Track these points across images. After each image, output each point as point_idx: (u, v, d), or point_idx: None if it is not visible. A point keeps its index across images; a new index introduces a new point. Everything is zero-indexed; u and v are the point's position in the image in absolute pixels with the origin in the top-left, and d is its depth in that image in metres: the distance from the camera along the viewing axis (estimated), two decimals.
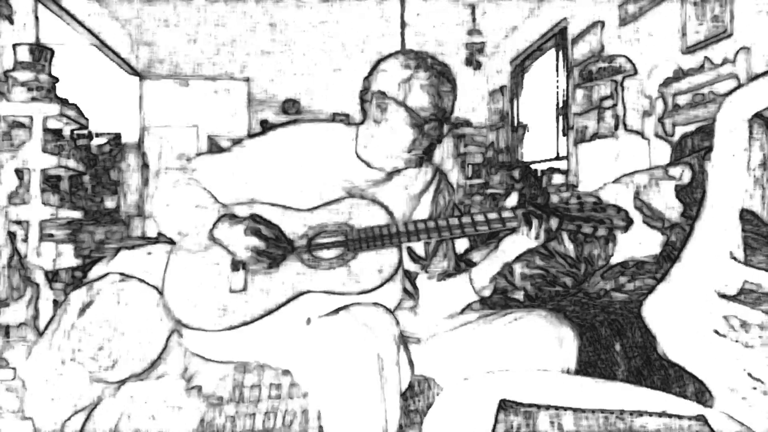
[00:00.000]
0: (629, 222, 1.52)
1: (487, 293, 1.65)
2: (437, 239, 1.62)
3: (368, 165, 1.64)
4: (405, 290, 1.66)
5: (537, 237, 1.51)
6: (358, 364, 1.38)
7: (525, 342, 1.55)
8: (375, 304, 1.50)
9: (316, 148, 1.65)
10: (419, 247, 1.69)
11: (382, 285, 1.53)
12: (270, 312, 1.52)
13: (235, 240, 1.51)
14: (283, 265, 1.54)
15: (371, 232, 1.54)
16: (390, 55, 1.61)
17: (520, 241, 1.55)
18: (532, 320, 1.57)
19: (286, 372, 1.56)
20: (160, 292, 1.61)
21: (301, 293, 1.53)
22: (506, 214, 1.54)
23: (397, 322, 1.48)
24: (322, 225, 1.58)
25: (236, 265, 1.55)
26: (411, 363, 1.53)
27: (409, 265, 1.69)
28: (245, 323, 1.51)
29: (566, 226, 1.52)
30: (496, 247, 1.61)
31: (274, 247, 1.50)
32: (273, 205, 1.60)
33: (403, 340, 1.53)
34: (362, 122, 1.65)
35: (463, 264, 1.76)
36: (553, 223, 1.50)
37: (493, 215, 1.54)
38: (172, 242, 1.68)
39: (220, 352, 1.56)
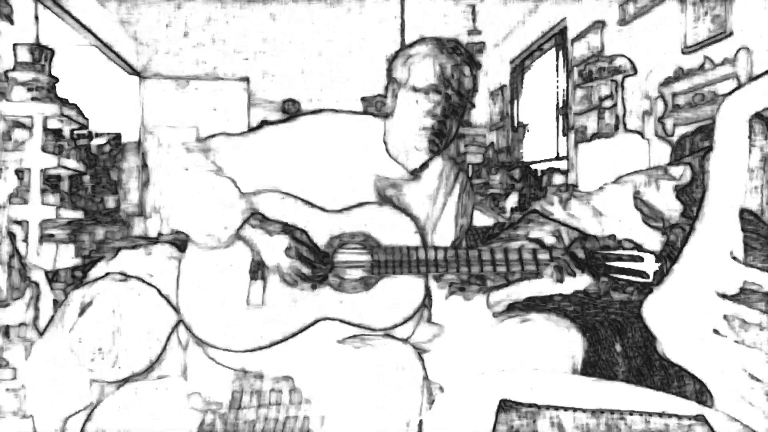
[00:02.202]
0: (662, 275, 1.50)
1: (498, 310, 1.64)
2: (467, 273, 1.53)
3: (395, 161, 1.58)
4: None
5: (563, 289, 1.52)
6: (379, 402, 1.37)
7: (534, 344, 1.54)
8: (401, 341, 1.47)
9: (345, 140, 1.58)
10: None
11: (402, 323, 1.48)
12: (290, 337, 1.48)
13: (273, 253, 1.43)
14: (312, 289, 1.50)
15: (399, 255, 1.47)
16: (404, 47, 1.56)
17: (549, 286, 1.56)
18: (542, 323, 1.57)
19: (286, 377, 1.55)
20: (162, 293, 1.60)
21: (322, 319, 1.48)
22: (542, 256, 1.48)
23: (423, 362, 1.45)
24: (345, 235, 1.50)
25: (255, 273, 1.49)
26: (430, 396, 1.50)
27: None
28: (263, 347, 1.48)
29: (602, 276, 1.48)
30: (522, 278, 1.60)
31: (316, 271, 1.44)
32: (298, 199, 1.52)
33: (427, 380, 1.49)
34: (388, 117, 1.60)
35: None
36: (585, 281, 1.49)
37: (527, 255, 1.48)
38: (173, 242, 1.67)
39: (234, 360, 1.54)
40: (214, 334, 1.48)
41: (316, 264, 1.45)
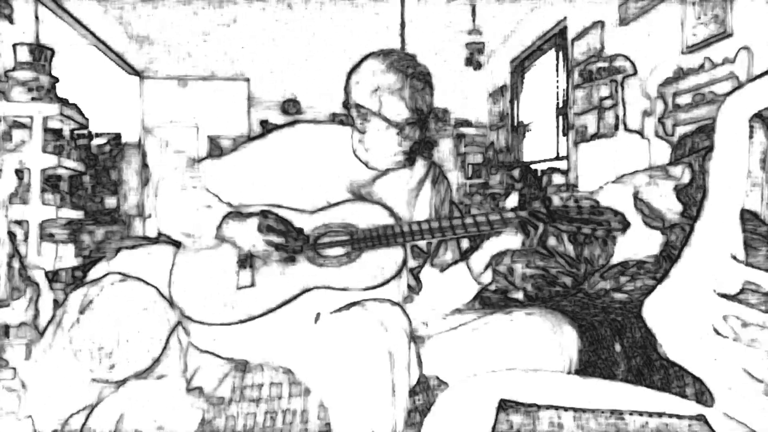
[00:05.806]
0: (626, 225, 1.54)
1: (486, 280, 1.66)
2: (440, 239, 1.64)
3: (365, 165, 1.67)
4: (408, 286, 1.68)
5: (530, 243, 1.54)
6: (371, 359, 1.40)
7: (527, 340, 1.55)
8: (388, 300, 1.52)
9: (316, 148, 1.68)
10: (423, 243, 1.72)
11: (387, 282, 1.56)
12: (278, 306, 1.54)
13: (247, 235, 1.54)
14: (291, 262, 1.58)
15: (376, 232, 1.57)
16: (361, 61, 1.62)
17: (514, 240, 1.57)
18: (534, 319, 1.58)
19: (286, 371, 1.57)
20: (162, 293, 1.61)
21: (308, 289, 1.55)
22: (508, 215, 1.55)
23: (409, 319, 1.50)
24: (328, 225, 1.60)
25: (243, 263, 1.58)
26: (419, 359, 1.54)
27: (411, 261, 1.71)
28: (253, 317, 1.54)
29: (566, 227, 1.53)
30: (486, 238, 1.63)
31: (290, 240, 1.54)
32: (278, 207, 1.62)
33: (413, 337, 1.55)
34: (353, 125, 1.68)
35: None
36: (540, 228, 1.53)
37: (494, 216, 1.56)
38: (173, 242, 1.68)
39: (228, 349, 1.58)
40: (205, 312, 1.56)
41: (288, 232, 1.53)
